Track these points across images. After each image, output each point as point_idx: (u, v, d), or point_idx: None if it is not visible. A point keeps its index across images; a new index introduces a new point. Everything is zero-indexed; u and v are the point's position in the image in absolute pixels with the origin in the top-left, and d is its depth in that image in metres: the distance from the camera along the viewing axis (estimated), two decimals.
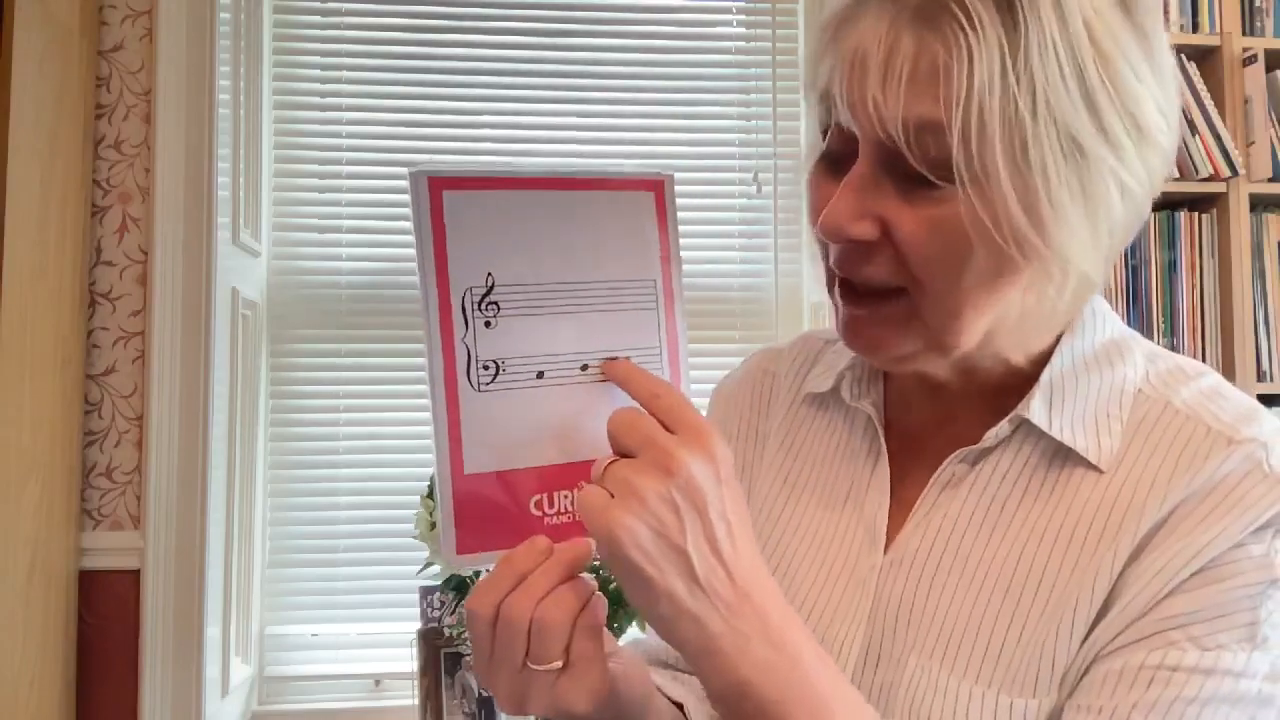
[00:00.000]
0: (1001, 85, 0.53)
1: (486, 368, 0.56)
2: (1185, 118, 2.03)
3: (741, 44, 2.32)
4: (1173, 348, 2.01)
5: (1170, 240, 2.06)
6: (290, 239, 2.18)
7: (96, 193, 1.95)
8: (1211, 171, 2.02)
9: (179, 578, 1.90)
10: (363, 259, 2.18)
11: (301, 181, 2.19)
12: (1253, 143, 2.06)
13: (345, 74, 2.21)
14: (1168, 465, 0.61)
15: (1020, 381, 0.66)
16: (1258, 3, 2.13)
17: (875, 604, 0.67)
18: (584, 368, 0.58)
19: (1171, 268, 2.06)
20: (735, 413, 0.82)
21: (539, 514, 0.58)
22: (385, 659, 2.11)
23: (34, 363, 1.72)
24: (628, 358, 0.59)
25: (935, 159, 0.56)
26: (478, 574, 1.72)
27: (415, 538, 1.79)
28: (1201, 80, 2.07)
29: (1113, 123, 0.56)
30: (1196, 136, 2.03)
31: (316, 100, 2.21)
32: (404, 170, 2.12)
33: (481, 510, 0.57)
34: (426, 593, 1.84)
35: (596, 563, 0.55)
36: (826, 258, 0.64)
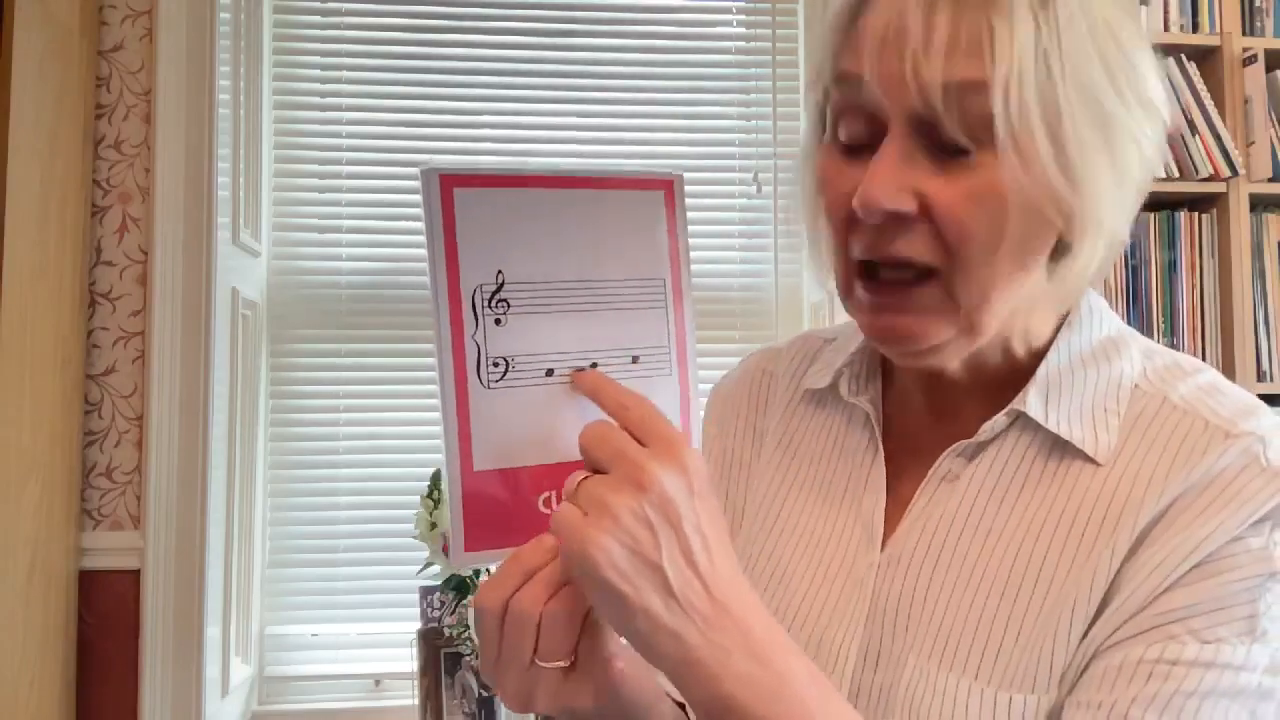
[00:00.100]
0: (1035, 51, 0.56)
1: (496, 365, 0.56)
2: (1185, 118, 2.02)
3: (741, 44, 2.32)
4: (1173, 347, 1.99)
5: (1170, 240, 2.06)
6: (290, 239, 2.18)
7: (96, 193, 1.95)
8: (1211, 171, 2.02)
9: (179, 578, 1.90)
10: (363, 259, 2.16)
11: (301, 181, 2.19)
12: (1253, 143, 2.06)
13: (345, 74, 2.21)
14: (1165, 460, 0.61)
15: (1019, 378, 0.66)
16: (1258, 3, 2.12)
17: (873, 604, 0.66)
18: (594, 365, 0.58)
19: (1171, 268, 2.06)
20: (733, 412, 0.82)
21: (547, 511, 0.57)
22: (385, 659, 2.11)
23: (34, 363, 1.72)
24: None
25: (975, 121, 0.57)
26: (478, 574, 1.72)
27: (415, 538, 1.79)
28: (1201, 80, 2.06)
29: (1125, 89, 0.59)
30: (1196, 136, 2.02)
31: (316, 100, 2.21)
32: (404, 170, 2.13)
33: (490, 507, 0.57)
34: (426, 593, 1.84)
35: None
36: (844, 251, 0.63)
